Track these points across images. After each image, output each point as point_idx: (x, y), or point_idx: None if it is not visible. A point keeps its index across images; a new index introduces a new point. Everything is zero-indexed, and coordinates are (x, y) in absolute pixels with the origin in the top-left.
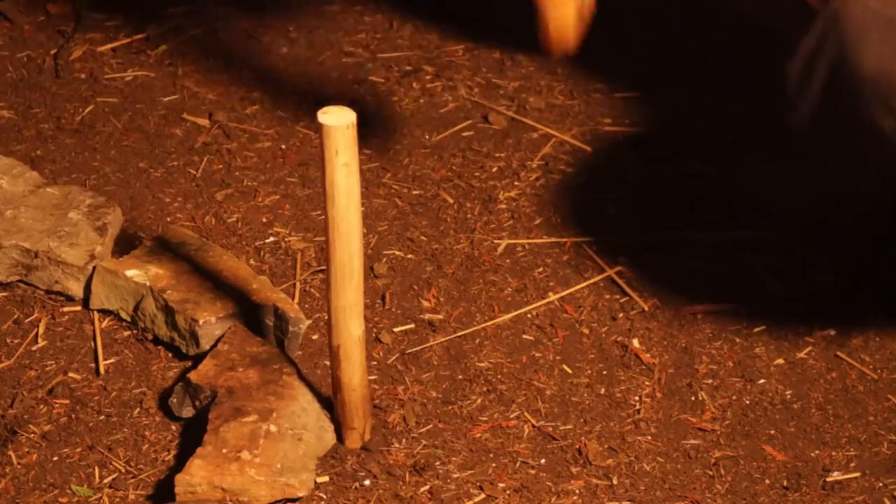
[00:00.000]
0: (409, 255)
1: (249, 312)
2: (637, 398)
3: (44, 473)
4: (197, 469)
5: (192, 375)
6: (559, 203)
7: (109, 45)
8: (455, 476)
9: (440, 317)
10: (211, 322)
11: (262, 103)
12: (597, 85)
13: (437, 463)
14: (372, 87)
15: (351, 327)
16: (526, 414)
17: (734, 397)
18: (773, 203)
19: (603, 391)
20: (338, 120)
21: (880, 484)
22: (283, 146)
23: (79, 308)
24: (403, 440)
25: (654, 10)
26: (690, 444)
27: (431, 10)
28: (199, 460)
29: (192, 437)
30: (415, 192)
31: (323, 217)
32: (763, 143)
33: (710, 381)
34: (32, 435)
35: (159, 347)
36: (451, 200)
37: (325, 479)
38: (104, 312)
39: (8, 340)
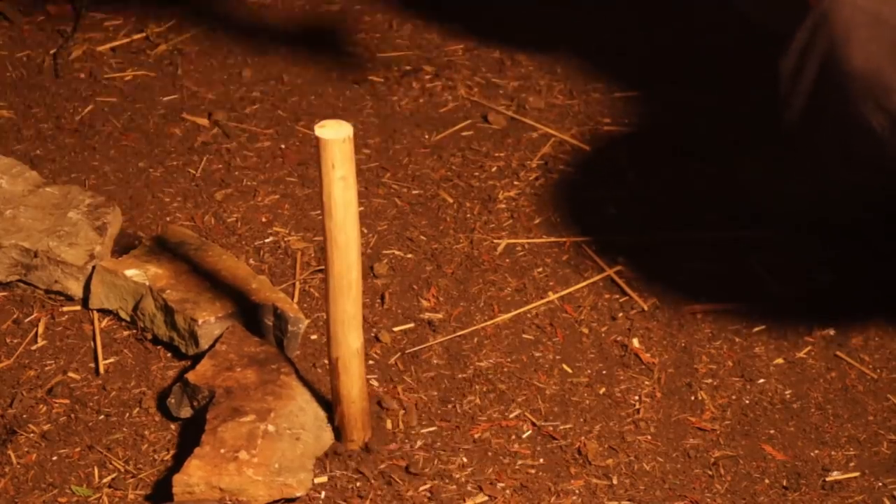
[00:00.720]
0: (409, 255)
1: (249, 312)
2: (637, 398)
3: (43, 473)
4: (195, 469)
5: (190, 376)
6: (559, 203)
7: (109, 45)
8: (455, 476)
9: (440, 316)
10: (210, 322)
11: (262, 103)
12: (596, 85)
13: (437, 463)
14: (372, 86)
15: (350, 339)
16: (526, 414)
17: (734, 397)
18: (773, 203)
19: (603, 391)
20: (334, 133)
21: (880, 483)
22: (283, 146)
23: (78, 308)
24: (403, 440)
25: (653, 9)
26: (690, 444)
27: (431, 10)
28: (197, 460)
29: (190, 438)
30: (414, 192)
31: (322, 217)
32: (763, 143)
33: (709, 380)
34: (32, 435)
35: (159, 347)
36: (451, 200)
37: (324, 478)
38: (104, 312)
39: (7, 340)
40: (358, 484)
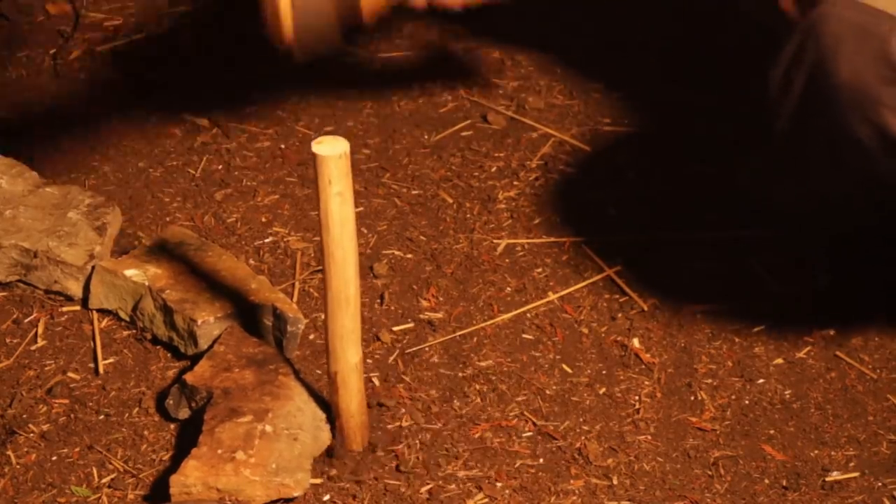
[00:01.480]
0: (409, 255)
1: (248, 312)
2: (637, 398)
3: (43, 473)
4: (192, 470)
5: (188, 377)
6: (558, 203)
7: (109, 45)
8: (455, 476)
9: (440, 316)
10: (209, 322)
11: (262, 103)
12: (596, 85)
13: (437, 463)
14: (372, 86)
15: (348, 354)
16: (526, 413)
17: (733, 397)
18: (773, 203)
19: (603, 391)
20: (331, 150)
21: (879, 484)
22: (283, 146)
23: (78, 308)
24: (402, 439)
25: (653, 9)
26: (690, 444)
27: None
28: (194, 461)
29: (188, 438)
30: (414, 192)
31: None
32: (763, 143)
33: (709, 380)
34: (31, 435)
35: (158, 347)
36: (451, 200)
37: (322, 479)
38: (103, 312)
39: (7, 340)
40: (356, 484)
